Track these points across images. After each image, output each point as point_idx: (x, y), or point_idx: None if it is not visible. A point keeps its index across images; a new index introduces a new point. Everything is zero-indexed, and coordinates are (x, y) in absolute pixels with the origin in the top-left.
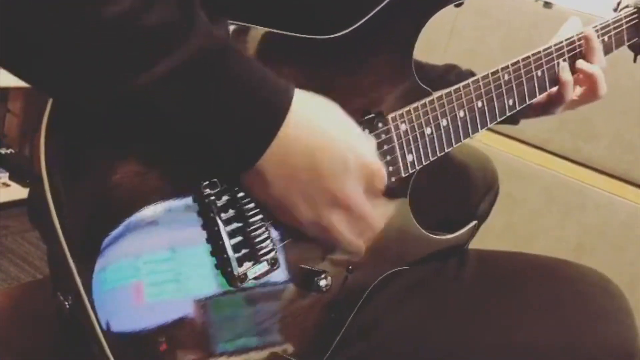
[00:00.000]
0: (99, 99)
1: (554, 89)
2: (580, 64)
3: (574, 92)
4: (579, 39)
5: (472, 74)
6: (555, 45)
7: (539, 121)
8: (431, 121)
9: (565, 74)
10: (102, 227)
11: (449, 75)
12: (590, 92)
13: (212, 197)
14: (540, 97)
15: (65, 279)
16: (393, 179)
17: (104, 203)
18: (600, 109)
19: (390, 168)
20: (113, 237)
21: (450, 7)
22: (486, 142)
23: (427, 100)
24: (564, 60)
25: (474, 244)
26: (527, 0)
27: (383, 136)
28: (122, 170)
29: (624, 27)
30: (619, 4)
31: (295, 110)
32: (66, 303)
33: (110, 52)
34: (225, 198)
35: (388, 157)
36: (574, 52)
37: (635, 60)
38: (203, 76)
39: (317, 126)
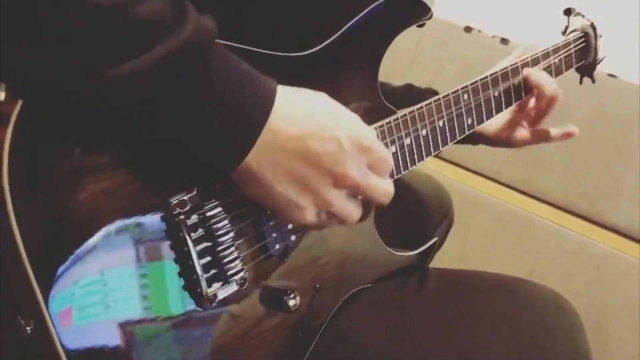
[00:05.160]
0: (88, 86)
1: (532, 106)
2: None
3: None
4: (533, 60)
5: (434, 92)
6: (511, 65)
7: (493, 153)
8: (396, 140)
9: (537, 75)
10: (66, 248)
11: (411, 93)
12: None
13: (182, 216)
14: (509, 126)
15: (26, 302)
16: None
17: (69, 222)
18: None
19: None
20: (79, 258)
21: (412, 38)
22: (441, 171)
23: (391, 118)
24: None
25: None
26: (485, 35)
27: None
28: (89, 187)
29: (572, 50)
30: (567, 27)
31: (280, 101)
32: (27, 328)
33: (102, 39)
34: (194, 217)
35: None
36: None
37: (581, 82)
38: (193, 63)
39: (302, 113)
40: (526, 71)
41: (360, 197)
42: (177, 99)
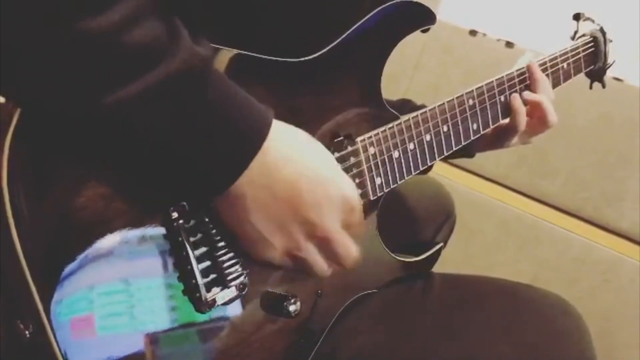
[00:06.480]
0: (77, 113)
1: (506, 120)
2: (527, 94)
3: (525, 124)
4: (540, 65)
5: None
6: (517, 71)
7: (498, 157)
8: (399, 145)
9: (517, 102)
10: (64, 252)
11: (403, 109)
12: (541, 122)
13: (181, 221)
14: (492, 130)
15: (25, 306)
16: (362, 202)
17: (67, 226)
18: (557, 146)
19: (360, 191)
20: (76, 263)
21: (417, 42)
22: (446, 175)
23: (394, 124)
24: (522, 88)
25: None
26: (490, 39)
27: (352, 159)
28: (88, 192)
29: (581, 54)
30: (575, 32)
31: (275, 138)
32: (26, 332)
33: (92, 65)
34: (193, 222)
35: (357, 180)
36: None
37: (591, 87)
38: (184, 93)
39: (299, 155)
40: (525, 94)
41: (327, 251)
42: (166, 126)
